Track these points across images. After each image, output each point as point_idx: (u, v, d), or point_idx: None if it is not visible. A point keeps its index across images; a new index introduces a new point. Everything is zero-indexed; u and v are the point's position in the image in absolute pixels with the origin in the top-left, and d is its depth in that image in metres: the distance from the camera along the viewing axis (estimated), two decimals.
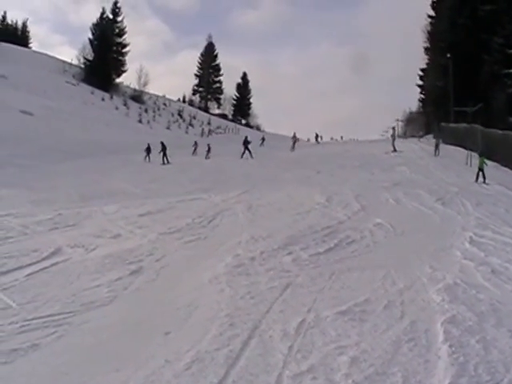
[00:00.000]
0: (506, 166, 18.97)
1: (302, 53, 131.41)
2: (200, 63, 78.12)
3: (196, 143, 29.67)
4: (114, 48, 62.32)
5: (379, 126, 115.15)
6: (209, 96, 78.85)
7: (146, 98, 61.59)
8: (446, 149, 25.36)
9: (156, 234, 7.84)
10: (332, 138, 56.51)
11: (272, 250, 6.59)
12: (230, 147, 29.22)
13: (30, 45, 66.78)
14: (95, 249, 7.02)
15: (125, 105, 54.14)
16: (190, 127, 56.17)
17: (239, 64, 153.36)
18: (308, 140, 49.00)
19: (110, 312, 4.78)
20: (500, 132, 21.24)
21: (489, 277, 5.44)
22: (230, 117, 77.19)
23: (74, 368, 3.65)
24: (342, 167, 18.55)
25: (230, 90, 79.41)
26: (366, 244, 7.10)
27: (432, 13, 41.69)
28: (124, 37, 63.99)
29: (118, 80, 62.86)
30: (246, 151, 24.53)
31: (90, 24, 61.53)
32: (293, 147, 30.49)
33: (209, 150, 26.12)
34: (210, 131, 55.46)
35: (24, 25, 68.25)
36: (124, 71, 63.93)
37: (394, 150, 24.39)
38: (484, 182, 14.49)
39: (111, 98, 54.68)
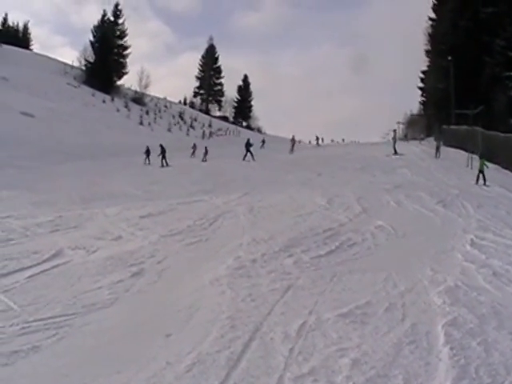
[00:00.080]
0: (506, 168, 18.98)
1: (304, 54, 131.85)
2: (201, 65, 78.23)
3: (195, 145, 29.68)
4: (115, 50, 62.36)
5: (381, 127, 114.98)
6: (210, 98, 78.86)
7: (147, 100, 61.58)
8: (447, 151, 25.40)
9: (157, 236, 7.83)
10: (333, 140, 56.66)
11: (273, 252, 6.59)
12: (231, 149, 29.28)
13: (32, 47, 67.04)
14: (96, 251, 7.01)
15: (126, 107, 54.12)
16: (191, 129, 56.18)
17: (240, 66, 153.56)
18: (309, 142, 49.09)
19: (111, 314, 4.77)
20: (501, 134, 21.23)
21: (490, 279, 5.44)
22: (231, 119, 77.29)
23: (75, 370, 3.64)
24: (343, 169, 18.55)
25: (231, 92, 79.68)
26: (367, 246, 7.10)
27: (433, 15, 41.69)
28: (125, 39, 64.17)
29: (119, 82, 63.00)
30: (248, 153, 24.58)
31: (92, 25, 61.81)
32: (292, 149, 30.55)
33: (206, 153, 26.12)
34: (210, 133, 55.56)
35: (25, 27, 68.63)
36: (125, 73, 64.09)
37: (395, 153, 24.38)
38: (484, 184, 14.49)
39: (112, 100, 54.64)
